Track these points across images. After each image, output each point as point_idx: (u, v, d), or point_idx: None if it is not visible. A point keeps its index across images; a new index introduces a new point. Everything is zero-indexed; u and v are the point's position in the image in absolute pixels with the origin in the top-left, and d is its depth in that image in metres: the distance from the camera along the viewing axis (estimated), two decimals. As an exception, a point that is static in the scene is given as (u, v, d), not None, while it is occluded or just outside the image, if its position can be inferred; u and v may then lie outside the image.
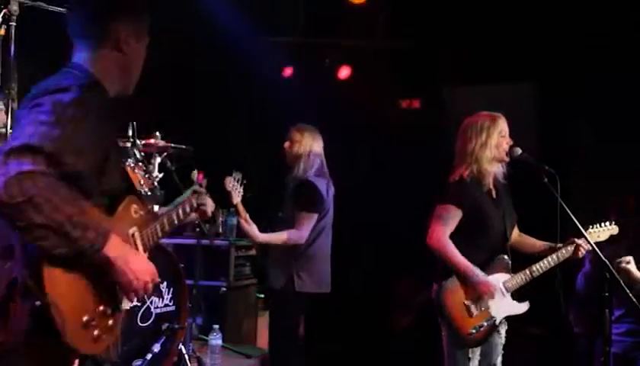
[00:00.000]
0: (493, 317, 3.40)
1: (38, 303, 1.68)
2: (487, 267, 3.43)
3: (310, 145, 4.16)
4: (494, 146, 3.43)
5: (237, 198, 3.92)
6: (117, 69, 2.03)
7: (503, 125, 3.48)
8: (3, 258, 1.77)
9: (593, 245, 3.31)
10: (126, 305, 1.97)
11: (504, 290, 3.45)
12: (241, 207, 3.95)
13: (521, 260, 3.61)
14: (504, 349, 3.61)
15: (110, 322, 1.89)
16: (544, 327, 5.38)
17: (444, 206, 3.42)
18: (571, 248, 3.56)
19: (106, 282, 1.84)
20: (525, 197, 3.68)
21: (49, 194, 1.63)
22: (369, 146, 6.92)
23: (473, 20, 6.13)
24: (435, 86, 6.80)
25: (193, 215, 2.52)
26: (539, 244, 3.71)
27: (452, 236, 3.40)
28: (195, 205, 2.47)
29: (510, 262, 3.53)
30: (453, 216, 3.40)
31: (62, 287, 1.73)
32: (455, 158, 3.54)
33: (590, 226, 3.60)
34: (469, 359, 3.38)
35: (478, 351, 3.42)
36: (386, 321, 6.51)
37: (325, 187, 4.14)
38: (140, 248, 2.03)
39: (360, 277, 6.41)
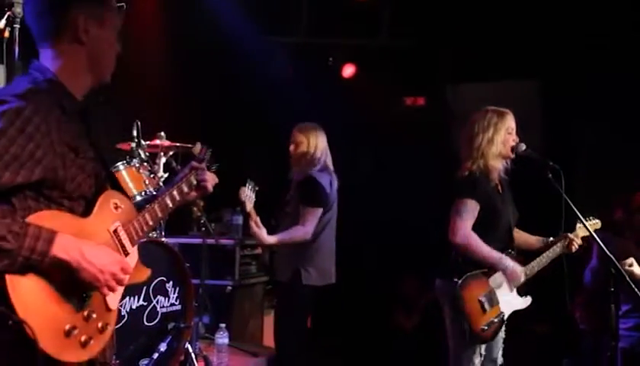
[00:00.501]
0: (502, 312, 3.40)
1: (10, 322, 1.61)
2: None
3: (314, 143, 4.17)
4: (500, 142, 3.42)
5: (250, 206, 3.94)
6: (81, 62, 1.89)
7: (510, 121, 3.47)
8: None
9: (599, 240, 3.29)
10: (114, 304, 1.89)
11: (510, 285, 3.46)
12: (253, 213, 3.96)
13: (522, 256, 3.61)
14: (506, 346, 3.61)
15: (99, 324, 1.82)
16: (548, 324, 5.37)
17: (462, 200, 3.38)
18: (565, 243, 3.59)
19: (85, 286, 1.76)
20: (526, 194, 3.67)
21: None
22: (373, 144, 6.92)
23: (477, 18, 6.12)
24: (439, 83, 6.79)
25: (193, 193, 2.27)
26: (532, 239, 3.73)
27: None
28: (194, 182, 2.25)
29: (516, 257, 3.53)
30: (473, 210, 3.37)
31: (33, 301, 1.66)
32: (461, 150, 3.53)
33: (583, 220, 3.59)
34: (475, 355, 3.37)
35: (483, 347, 3.42)
36: (390, 318, 6.51)
37: (329, 182, 4.15)
38: (127, 242, 1.93)
39: (364, 274, 6.40)
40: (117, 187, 2.04)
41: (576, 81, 5.95)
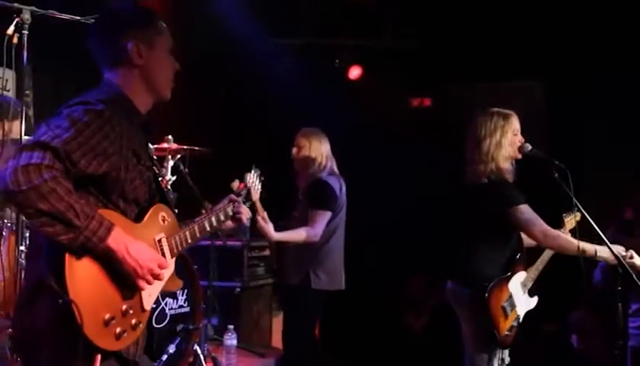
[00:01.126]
0: (518, 315, 3.40)
1: (60, 301, 1.77)
2: (512, 265, 3.40)
3: (317, 148, 4.16)
4: (508, 144, 3.38)
5: (255, 195, 3.81)
6: (140, 83, 2.11)
7: (515, 123, 3.43)
8: (33, 259, 1.97)
9: (606, 240, 3.27)
10: (149, 305, 2.02)
11: (524, 287, 3.45)
12: (259, 205, 3.82)
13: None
14: (518, 345, 3.59)
15: (134, 320, 1.96)
16: (559, 323, 5.35)
17: (519, 207, 3.30)
18: None
19: (128, 282, 1.92)
20: (534, 193, 3.65)
21: (53, 185, 1.74)
22: (380, 144, 6.91)
23: (482, 18, 6.11)
24: (445, 84, 6.78)
25: (229, 223, 2.53)
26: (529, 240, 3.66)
27: (489, 235, 3.36)
28: (230, 213, 2.50)
29: (526, 259, 3.51)
30: (531, 210, 3.31)
31: (84, 286, 1.82)
32: (467, 153, 3.48)
33: (566, 214, 3.57)
34: (496, 359, 3.34)
35: (506, 353, 3.39)
36: (399, 319, 6.50)
37: (338, 186, 4.15)
38: (167, 253, 2.10)
39: (372, 276, 6.39)
40: (165, 200, 2.19)
41: (581, 81, 5.93)
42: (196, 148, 4.43)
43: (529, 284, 3.49)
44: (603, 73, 5.71)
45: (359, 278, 5.02)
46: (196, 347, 3.94)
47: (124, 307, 1.92)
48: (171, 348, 3.65)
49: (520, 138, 3.43)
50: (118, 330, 1.89)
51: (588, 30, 5.74)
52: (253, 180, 3.73)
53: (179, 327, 3.77)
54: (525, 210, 3.29)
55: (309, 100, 6.59)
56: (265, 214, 3.92)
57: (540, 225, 3.28)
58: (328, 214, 4.04)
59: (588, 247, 3.25)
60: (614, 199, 4.71)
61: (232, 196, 2.57)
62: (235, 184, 2.96)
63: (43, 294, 1.83)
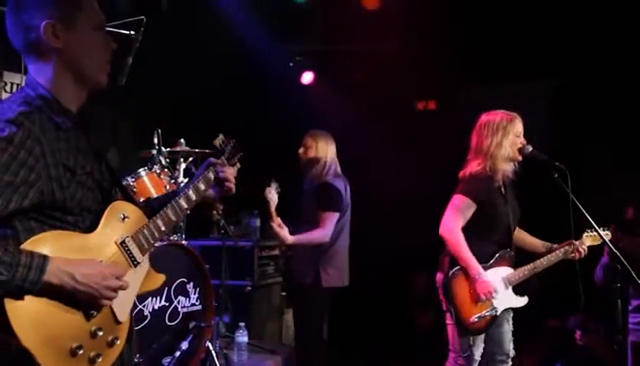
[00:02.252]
0: (495, 307, 3.43)
1: (14, 348, 1.57)
2: (493, 260, 3.48)
3: (324, 150, 4.21)
4: (509, 145, 3.46)
5: (273, 207, 3.97)
6: (64, 71, 1.78)
7: (519, 125, 3.51)
8: None
9: (607, 240, 3.31)
10: (124, 315, 1.83)
11: (507, 283, 3.49)
12: (274, 213, 3.97)
13: (522, 255, 3.64)
14: (521, 340, 3.63)
15: (109, 338, 1.78)
16: (562, 320, 5.36)
17: (460, 197, 3.46)
18: (569, 249, 3.59)
19: (88, 302, 1.71)
20: (538, 195, 3.68)
21: None
22: (387, 146, 6.93)
23: (486, 21, 6.11)
24: (450, 87, 6.79)
25: (211, 192, 2.14)
26: (537, 242, 3.75)
27: (464, 229, 3.43)
28: (212, 179, 2.13)
29: (514, 257, 3.56)
30: (468, 208, 3.44)
31: (35, 325, 1.61)
32: (469, 152, 3.58)
33: (589, 230, 3.62)
34: (475, 347, 3.41)
35: (481, 338, 3.44)
36: (406, 315, 6.52)
37: (343, 187, 4.19)
38: (136, 253, 1.87)
39: (380, 274, 6.42)
40: (127, 196, 1.97)
41: (585, 83, 5.93)
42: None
43: (515, 282, 3.51)
44: (607, 75, 5.71)
45: (366, 276, 5.05)
46: (209, 343, 3.97)
47: (92, 329, 1.72)
48: (184, 345, 3.69)
49: (521, 140, 3.49)
50: (91, 355, 1.70)
51: (592, 33, 5.74)
52: (272, 193, 3.90)
53: (191, 324, 3.81)
54: (463, 201, 3.41)
55: (318, 102, 6.65)
56: (280, 220, 3.98)
57: (457, 217, 3.39)
58: (337, 215, 4.10)
59: (469, 261, 3.34)
60: (613, 200, 4.72)
61: (211, 159, 2.17)
62: (219, 139, 2.38)
63: None
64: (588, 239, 3.64)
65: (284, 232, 3.98)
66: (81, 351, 1.68)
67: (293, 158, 4.36)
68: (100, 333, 1.74)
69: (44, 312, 1.64)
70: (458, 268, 3.40)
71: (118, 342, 1.80)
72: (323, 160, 4.19)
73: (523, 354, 3.74)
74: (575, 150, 5.85)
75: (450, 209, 3.46)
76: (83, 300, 1.69)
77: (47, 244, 1.66)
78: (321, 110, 6.50)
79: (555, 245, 3.65)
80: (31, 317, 1.61)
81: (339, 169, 4.27)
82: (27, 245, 1.64)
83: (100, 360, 1.73)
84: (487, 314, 3.40)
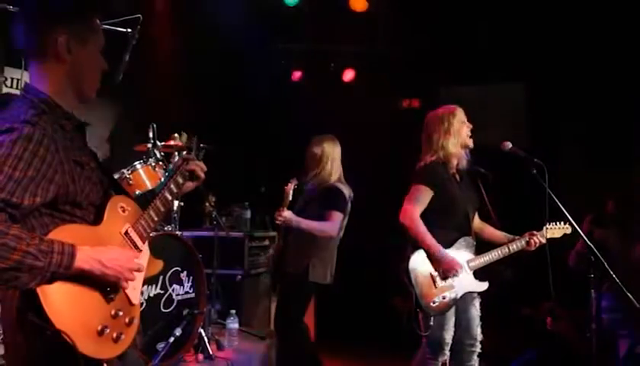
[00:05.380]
0: (455, 290, 3.44)
1: (49, 332, 1.65)
2: (453, 246, 3.49)
3: (330, 153, 4.19)
4: (456, 132, 3.55)
5: (287, 201, 4.00)
6: (67, 80, 1.86)
7: (460, 114, 3.61)
8: (4, 300, 1.75)
9: (581, 232, 3.31)
10: (137, 298, 1.94)
11: (467, 268, 3.50)
12: (286, 204, 4.01)
13: (485, 243, 3.66)
14: (494, 327, 3.64)
15: (127, 319, 1.88)
16: (532, 306, 5.39)
17: (417, 186, 3.49)
18: (524, 241, 3.63)
19: (107, 286, 1.81)
20: (518, 191, 3.69)
21: (2, 239, 1.58)
22: (372, 143, 6.93)
23: (468, 25, 6.13)
24: (433, 86, 6.80)
25: (189, 183, 2.30)
26: (498, 234, 3.77)
27: (423, 215, 3.45)
28: (187, 173, 2.27)
29: (474, 243, 3.59)
30: (425, 196, 3.47)
31: (65, 309, 1.69)
32: (422, 148, 3.64)
33: (549, 223, 3.63)
34: (444, 331, 3.44)
35: (451, 321, 3.46)
36: (387, 304, 6.52)
37: (347, 194, 4.19)
38: (138, 241, 1.97)
39: (365, 269, 6.42)
40: (120, 190, 2.05)
41: (560, 82, 5.97)
42: (202, 145, 4.44)
43: (475, 267, 3.52)
44: (579, 75, 5.75)
45: (353, 270, 5.04)
46: (201, 330, 3.97)
47: (113, 311, 1.82)
48: (178, 331, 3.67)
49: (467, 125, 3.60)
50: (115, 335, 1.81)
51: (566, 36, 5.78)
52: (292, 190, 3.92)
53: (185, 311, 3.80)
54: (419, 189, 3.45)
55: (306, 100, 6.63)
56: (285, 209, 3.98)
57: (415, 205, 3.44)
58: (341, 215, 4.10)
59: (432, 245, 3.37)
60: (588, 194, 4.74)
61: (184, 155, 2.33)
62: (184, 138, 2.68)
63: (27, 330, 1.67)
64: (549, 232, 3.64)
65: (296, 216, 3.99)
66: (107, 331, 1.78)
67: (283, 154, 4.34)
68: (121, 314, 1.85)
69: (72, 297, 1.72)
70: (419, 250, 3.42)
71: (135, 321, 1.92)
72: (329, 162, 4.18)
73: (497, 342, 3.75)
74: (549, 146, 5.89)
75: (408, 198, 3.50)
76: (109, 282, 1.79)
77: (64, 235, 1.73)
78: (310, 107, 6.49)
79: (517, 237, 3.67)
80: (61, 303, 1.69)
81: (342, 177, 4.25)
82: (48, 236, 1.70)
83: (123, 338, 1.83)
84: (447, 295, 3.41)
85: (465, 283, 3.48)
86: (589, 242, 3.18)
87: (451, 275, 3.40)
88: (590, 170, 5.73)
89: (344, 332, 6.04)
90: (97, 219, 1.87)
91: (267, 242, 5.62)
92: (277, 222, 4.04)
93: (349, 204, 4.20)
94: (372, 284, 6.46)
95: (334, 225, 4.03)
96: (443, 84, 6.69)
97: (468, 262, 3.50)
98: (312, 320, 5.33)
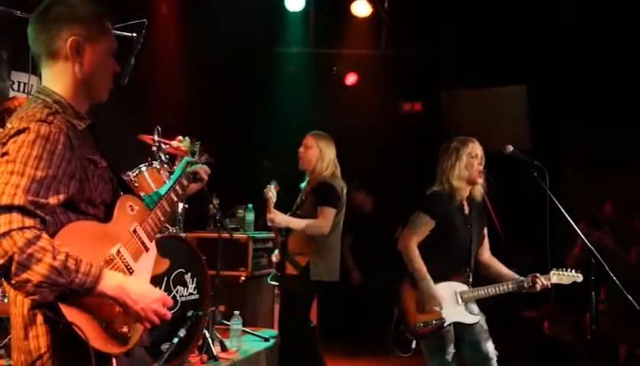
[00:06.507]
0: (442, 319, 3.41)
1: (61, 326, 1.66)
2: (449, 275, 3.47)
3: (324, 150, 4.19)
4: (463, 166, 3.48)
5: (271, 205, 3.98)
6: (77, 81, 1.85)
7: (473, 147, 3.53)
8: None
9: (582, 235, 3.29)
10: None
11: (459, 298, 3.47)
12: (273, 210, 3.99)
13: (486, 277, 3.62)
14: (499, 333, 3.61)
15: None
16: (537, 311, 5.38)
17: (418, 213, 3.50)
18: (529, 282, 3.48)
19: None
20: (522, 195, 3.67)
21: (28, 249, 1.56)
22: (375, 145, 6.94)
23: (469, 29, 6.13)
24: (434, 89, 6.80)
25: (193, 185, 2.33)
26: (505, 272, 3.64)
27: (425, 243, 3.46)
28: (191, 175, 2.30)
29: (470, 275, 3.55)
30: (425, 224, 3.47)
31: (77, 303, 1.69)
32: (435, 177, 3.61)
33: (560, 269, 3.50)
34: (445, 353, 3.42)
35: (449, 341, 3.43)
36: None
37: (340, 188, 4.18)
38: (145, 239, 1.98)
39: (366, 269, 6.42)
40: (128, 189, 2.06)
41: (561, 84, 5.97)
42: (207, 156, 4.44)
43: (467, 299, 3.48)
44: (580, 77, 5.75)
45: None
46: (205, 331, 3.96)
47: (119, 308, 1.79)
48: (182, 332, 3.66)
49: (479, 161, 3.51)
50: (122, 331, 1.80)
51: (567, 39, 5.78)
52: (272, 192, 3.91)
53: (189, 313, 3.78)
54: (420, 217, 3.45)
55: (310, 103, 6.63)
56: (273, 209, 3.96)
57: (413, 232, 3.44)
58: (334, 211, 4.08)
59: (420, 273, 3.37)
60: (594, 196, 4.74)
61: (188, 158, 2.38)
62: (187, 142, 2.78)
63: (40, 322, 1.69)
64: (555, 277, 3.51)
65: (285, 216, 3.98)
66: (115, 326, 1.78)
67: (286, 156, 4.34)
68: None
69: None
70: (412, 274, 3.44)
71: None
72: (323, 160, 4.17)
73: (500, 345, 3.73)
74: (552, 148, 5.89)
75: (408, 224, 3.51)
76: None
77: (76, 232, 1.74)
78: (314, 110, 6.50)
79: (521, 279, 3.52)
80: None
81: (338, 171, 4.25)
82: (59, 236, 1.69)
83: (130, 334, 1.83)
84: (433, 322, 3.39)
85: (454, 313, 3.44)
86: (589, 245, 3.17)
87: (427, 308, 3.38)
88: (590, 171, 5.72)
89: (346, 331, 6.03)
90: (107, 218, 1.87)
91: (270, 244, 5.61)
92: (269, 224, 4.05)
93: (342, 199, 4.18)
94: (376, 284, 6.47)
95: (324, 222, 4.02)
96: (444, 87, 6.69)
97: (460, 293, 3.47)
98: (314, 320, 5.32)
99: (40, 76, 1.90)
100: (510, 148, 3.42)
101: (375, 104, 6.74)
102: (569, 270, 3.50)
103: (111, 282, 1.69)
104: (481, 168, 3.48)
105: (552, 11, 5.84)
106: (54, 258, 1.58)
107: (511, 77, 6.22)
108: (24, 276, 1.56)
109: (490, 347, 3.52)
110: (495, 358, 3.51)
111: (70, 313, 1.66)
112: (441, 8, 6.10)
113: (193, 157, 2.39)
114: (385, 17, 6.55)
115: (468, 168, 3.48)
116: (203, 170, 2.33)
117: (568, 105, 5.99)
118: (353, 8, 6.50)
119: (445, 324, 3.41)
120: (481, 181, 3.51)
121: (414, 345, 3.41)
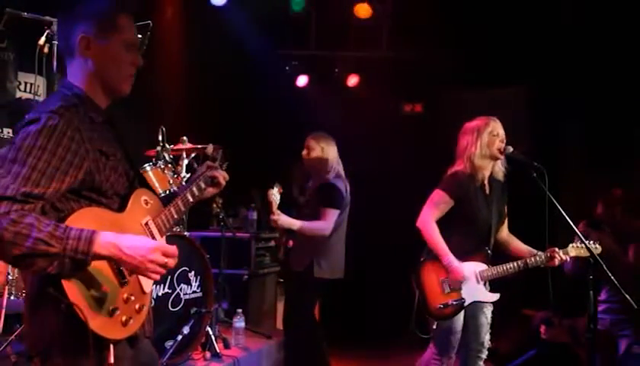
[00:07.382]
0: (463, 299, 3.42)
1: (63, 305, 1.70)
2: (469, 255, 3.46)
3: (326, 151, 4.20)
4: (484, 144, 3.46)
5: (275, 207, 3.96)
6: (93, 76, 1.91)
7: (494, 125, 3.50)
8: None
9: (580, 235, 3.30)
10: (148, 287, 1.95)
11: (479, 277, 3.46)
12: (276, 211, 3.97)
13: (502, 256, 3.60)
14: (499, 330, 3.62)
15: (137, 305, 1.89)
16: (539, 309, 5.38)
17: (438, 191, 3.49)
18: (545, 257, 3.46)
19: (123, 271, 1.83)
20: (522, 195, 3.66)
21: (14, 228, 1.61)
22: (376, 147, 6.94)
23: (469, 31, 6.14)
24: (435, 91, 6.80)
25: (210, 189, 2.35)
26: (523, 248, 3.64)
27: (442, 222, 3.45)
28: (209, 179, 2.32)
29: (490, 254, 3.53)
30: (444, 203, 3.46)
31: (80, 285, 1.73)
32: (455, 157, 3.58)
33: (578, 242, 3.43)
34: (451, 333, 3.43)
35: (459, 325, 3.44)
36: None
37: (344, 188, 4.18)
38: (157, 234, 2.00)
39: (367, 270, 6.42)
40: (145, 184, 2.09)
41: (561, 85, 5.97)
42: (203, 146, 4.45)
43: (486, 278, 3.47)
44: (581, 77, 5.75)
45: (356, 270, 5.03)
46: (208, 328, 3.98)
47: (125, 295, 1.84)
48: (185, 330, 3.68)
49: (501, 138, 3.48)
50: (124, 318, 1.82)
51: (567, 39, 5.78)
52: (275, 195, 3.91)
53: (192, 310, 3.80)
54: (440, 195, 3.45)
55: (312, 104, 6.63)
56: (280, 212, 3.97)
57: (432, 210, 3.44)
58: (337, 212, 4.09)
59: (441, 249, 3.37)
60: (589, 197, 4.73)
61: (209, 162, 2.37)
62: (210, 148, 2.84)
63: (46, 302, 1.73)
64: (573, 250, 3.48)
65: (288, 218, 3.98)
66: (117, 312, 1.80)
67: (289, 157, 4.35)
68: (132, 299, 1.87)
69: (87, 275, 1.74)
70: (429, 256, 3.44)
71: (144, 309, 1.94)
72: (326, 161, 4.17)
73: (500, 341, 3.74)
74: (551, 149, 5.89)
75: (428, 202, 3.49)
76: (120, 265, 1.79)
77: (88, 216, 1.78)
78: (316, 111, 6.50)
79: (540, 253, 3.50)
80: (77, 278, 1.72)
81: (342, 170, 4.25)
82: (70, 219, 1.74)
83: (131, 322, 1.85)
84: (453, 303, 3.39)
85: (473, 292, 3.45)
86: (588, 245, 3.18)
87: (456, 284, 3.38)
88: (591, 172, 5.72)
89: (348, 331, 6.04)
90: (120, 208, 1.91)
91: (272, 243, 5.63)
92: (273, 225, 4.06)
93: (346, 198, 4.18)
94: (377, 283, 6.48)
95: (326, 223, 4.03)
96: (445, 88, 6.69)
97: (479, 273, 3.45)
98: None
99: (46, 77, 1.94)
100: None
101: (376, 106, 6.74)
102: (588, 242, 3.37)
103: (104, 242, 1.71)
104: (503, 145, 3.45)
105: (552, 11, 5.83)
106: (40, 231, 1.63)
107: (511, 77, 6.21)
108: (16, 252, 1.62)
109: (486, 316, 3.55)
110: (489, 324, 3.55)
111: (74, 295, 1.71)
112: (442, 10, 6.10)
113: (214, 162, 2.41)
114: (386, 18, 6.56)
115: (489, 147, 3.45)
116: (222, 176, 2.36)
117: (568, 105, 5.98)
118: (355, 10, 6.50)
119: (465, 304, 3.42)
120: (502, 157, 3.49)
121: (435, 327, 3.41)
